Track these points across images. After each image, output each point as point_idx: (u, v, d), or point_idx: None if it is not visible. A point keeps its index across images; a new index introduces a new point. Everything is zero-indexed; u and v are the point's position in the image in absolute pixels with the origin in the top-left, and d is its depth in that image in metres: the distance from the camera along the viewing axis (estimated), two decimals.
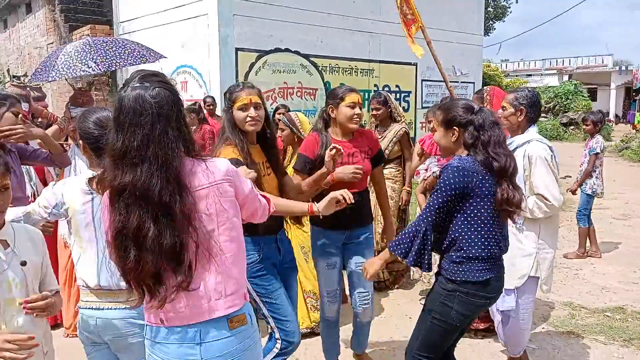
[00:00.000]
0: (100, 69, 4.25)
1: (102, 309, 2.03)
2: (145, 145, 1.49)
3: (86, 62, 4.17)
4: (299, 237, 3.74)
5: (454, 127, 2.28)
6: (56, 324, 4.27)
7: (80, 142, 2.05)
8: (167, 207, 1.49)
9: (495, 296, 2.34)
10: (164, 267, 1.51)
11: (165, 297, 1.53)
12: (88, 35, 9.83)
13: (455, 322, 2.26)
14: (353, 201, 2.27)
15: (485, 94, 3.84)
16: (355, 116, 2.92)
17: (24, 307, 1.74)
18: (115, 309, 2.04)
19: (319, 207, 2.31)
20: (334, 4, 9.29)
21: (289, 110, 6.17)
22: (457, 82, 12.09)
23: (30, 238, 1.88)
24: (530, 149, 2.84)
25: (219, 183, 1.60)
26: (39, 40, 12.64)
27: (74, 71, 4.18)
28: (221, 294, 1.61)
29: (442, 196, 2.19)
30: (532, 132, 2.92)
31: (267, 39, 8.48)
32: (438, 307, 2.27)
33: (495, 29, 24.07)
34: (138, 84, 1.55)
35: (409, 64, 10.84)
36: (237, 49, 8.11)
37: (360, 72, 10.09)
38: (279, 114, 5.95)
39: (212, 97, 7.19)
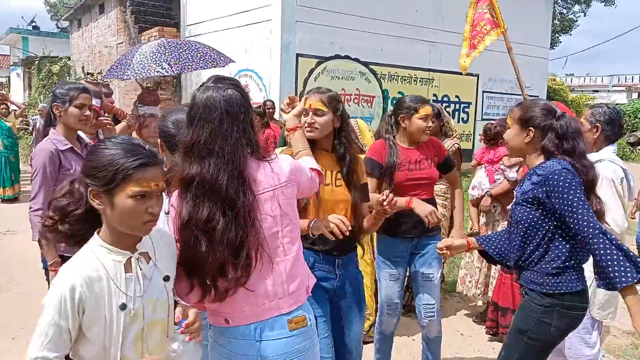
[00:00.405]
0: (173, 71, 4.39)
1: None
2: (212, 140, 1.59)
3: (160, 64, 4.32)
4: None
5: (530, 128, 2.16)
6: None
7: (159, 140, 2.12)
8: (232, 202, 1.55)
9: (587, 306, 2.22)
10: (228, 261, 1.56)
11: (226, 291, 1.58)
12: (156, 36, 10.23)
13: (554, 338, 2.13)
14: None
15: None
16: (427, 129, 2.94)
17: (182, 331, 1.50)
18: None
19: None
20: (396, 13, 9.25)
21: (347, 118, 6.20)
22: (520, 94, 11.75)
23: (167, 243, 1.60)
24: (599, 169, 2.73)
25: (284, 185, 1.68)
26: (109, 39, 13.26)
27: (148, 71, 4.34)
28: (283, 294, 1.66)
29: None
30: (607, 151, 2.79)
31: (328, 46, 8.54)
32: (535, 327, 2.11)
33: (561, 42, 23.28)
34: (212, 84, 1.68)
35: (470, 74, 10.62)
36: (297, 55, 8.22)
37: (420, 81, 9.99)
38: None
39: (272, 101, 7.30)
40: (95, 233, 1.46)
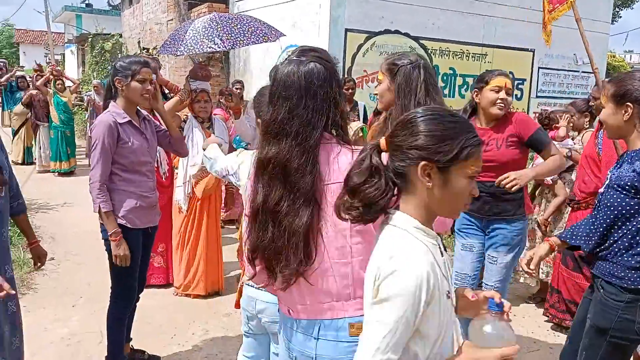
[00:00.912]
0: (225, 47, 4.35)
1: (264, 290, 1.92)
2: (289, 119, 1.48)
3: (212, 39, 4.30)
4: None
5: (627, 104, 1.94)
6: (168, 283, 4.58)
7: (258, 120, 2.08)
8: (299, 188, 1.46)
9: None
10: (289, 248, 1.48)
11: (288, 279, 1.51)
12: (205, 12, 10.26)
13: (638, 336, 1.95)
14: None
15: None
16: (499, 101, 2.77)
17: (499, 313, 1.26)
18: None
19: None
20: None
21: None
22: (578, 71, 11.22)
23: None
24: None
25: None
26: (159, 16, 13.41)
27: (201, 47, 4.32)
28: (349, 296, 1.53)
29: None
30: None
31: (378, 21, 8.34)
32: (617, 324, 1.95)
33: (621, 17, 21.99)
34: (295, 57, 1.55)
35: (526, 50, 10.20)
36: (346, 30, 8.07)
37: (472, 57, 9.65)
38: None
39: (352, 79, 7.01)
40: (399, 211, 1.29)
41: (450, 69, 9.45)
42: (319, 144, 1.49)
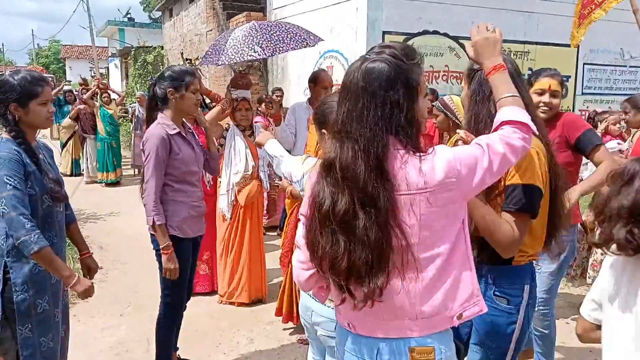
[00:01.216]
0: (265, 54, 4.35)
1: (319, 302, 1.86)
2: (349, 121, 1.39)
3: (253, 47, 4.31)
4: None
5: None
6: (213, 291, 4.61)
7: (323, 130, 2.04)
8: (372, 198, 1.34)
9: None
10: (367, 264, 1.35)
11: (364, 298, 1.38)
12: (243, 22, 10.39)
13: None
14: None
15: None
16: (542, 105, 2.64)
17: None
18: (329, 307, 1.90)
19: None
20: None
21: (436, 95, 5.94)
22: (625, 66, 10.77)
23: None
24: None
25: (430, 191, 1.36)
26: (199, 27, 13.68)
27: (242, 56, 4.34)
28: (414, 315, 1.41)
29: None
30: None
31: (416, 22, 8.24)
32: None
33: None
34: (365, 55, 1.45)
35: (569, 46, 9.84)
36: (384, 33, 7.99)
37: (514, 54, 9.39)
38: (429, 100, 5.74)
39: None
40: None
41: None
42: (386, 150, 1.36)
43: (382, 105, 1.37)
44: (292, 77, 9.86)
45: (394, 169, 1.37)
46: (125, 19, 25.45)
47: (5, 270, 2.19)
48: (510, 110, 1.55)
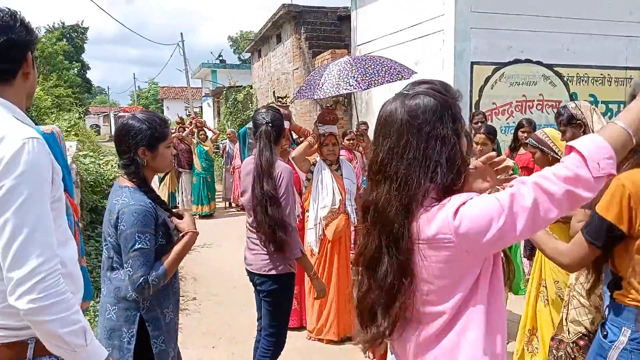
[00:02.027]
0: (361, 87, 4.39)
1: None
2: (389, 160, 1.33)
3: (348, 81, 4.37)
4: (553, 270, 3.28)
5: None
6: (301, 326, 4.59)
7: None
8: (395, 239, 1.30)
9: None
10: (380, 307, 1.36)
11: (370, 340, 1.40)
12: (328, 59, 10.63)
13: None
14: None
15: None
16: None
17: None
18: None
19: None
20: (583, 8, 8.33)
21: (534, 126, 5.66)
22: None
23: None
24: None
25: (422, 244, 1.28)
26: (286, 66, 14.18)
27: (337, 89, 4.41)
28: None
29: None
30: None
31: (506, 51, 8.01)
32: None
33: None
34: (404, 91, 1.39)
35: None
36: (472, 63, 7.83)
37: (614, 82, 8.82)
38: (523, 132, 5.50)
39: (481, 113, 6.69)
40: None
41: (591, 96, 8.71)
42: (418, 190, 1.29)
43: (426, 141, 1.30)
44: (376, 111, 9.77)
45: (418, 212, 1.29)
46: (217, 61, 26.99)
47: (139, 324, 2.13)
48: (605, 135, 1.19)
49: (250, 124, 4.59)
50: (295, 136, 5.42)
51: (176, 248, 2.16)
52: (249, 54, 20.42)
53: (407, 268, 1.29)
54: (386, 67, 4.54)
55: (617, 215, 1.76)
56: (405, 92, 1.38)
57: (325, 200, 4.33)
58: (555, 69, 8.40)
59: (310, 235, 4.42)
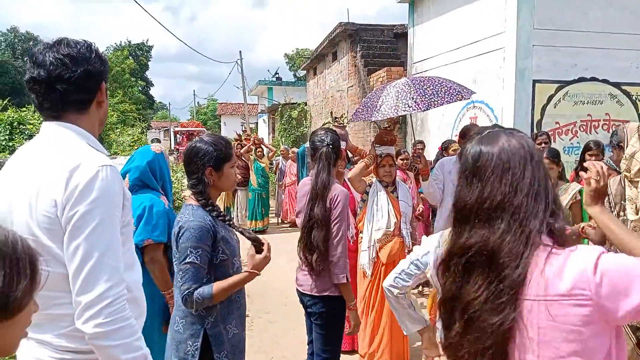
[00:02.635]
0: (420, 108, 4.33)
1: None
2: (509, 198, 1.25)
3: (406, 102, 4.33)
4: None
5: None
6: (353, 350, 4.52)
7: None
8: (506, 279, 1.18)
9: None
10: (484, 353, 1.20)
11: None
12: (384, 76, 10.60)
13: None
14: None
15: None
16: None
17: None
18: None
19: None
20: None
21: (602, 148, 5.35)
22: None
23: None
24: None
25: (554, 300, 1.13)
26: (340, 84, 14.26)
27: (396, 111, 4.38)
28: None
29: None
30: None
31: (570, 69, 7.71)
32: None
33: None
34: (507, 130, 1.37)
35: None
36: (534, 81, 7.58)
37: None
38: (591, 154, 5.18)
39: (545, 133, 6.43)
40: None
41: None
42: (535, 235, 1.20)
43: (541, 182, 1.26)
44: (431, 129, 9.74)
45: (535, 266, 1.18)
46: (274, 79, 27.51)
47: (204, 338, 2.18)
48: None
49: (307, 143, 4.61)
50: (350, 155, 5.40)
51: (233, 279, 2.20)
52: (305, 72, 20.71)
53: (519, 322, 1.18)
54: (445, 88, 4.46)
55: None
56: (509, 131, 1.35)
57: (380, 222, 4.27)
58: (623, 87, 8.00)
59: (363, 257, 4.37)
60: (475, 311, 1.22)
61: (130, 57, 44.56)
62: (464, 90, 4.61)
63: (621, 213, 2.78)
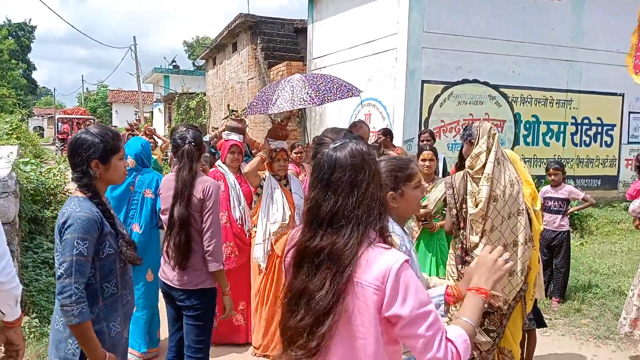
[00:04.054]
0: (315, 103, 4.47)
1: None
2: (356, 206, 1.44)
3: (301, 96, 4.45)
4: None
5: None
6: (247, 342, 4.53)
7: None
8: (341, 277, 1.40)
9: None
10: (311, 332, 1.42)
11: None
12: (284, 70, 10.66)
13: None
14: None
15: None
16: None
17: None
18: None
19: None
20: (528, 32, 8.74)
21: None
22: None
23: None
24: None
25: (362, 283, 1.40)
26: (240, 75, 14.11)
27: (292, 105, 4.47)
28: None
29: None
30: None
31: (455, 71, 8.27)
32: None
33: None
34: (343, 141, 1.53)
35: (614, 94, 9.67)
36: (423, 82, 8.05)
37: (556, 103, 9.27)
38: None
39: (385, 129, 6.88)
40: None
41: (533, 116, 9.12)
42: (368, 233, 1.43)
43: (375, 183, 1.49)
44: (329, 124, 9.98)
45: (364, 256, 1.42)
46: (171, 67, 26.56)
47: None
48: (463, 332, 1.49)
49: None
50: (247, 149, 5.38)
51: (96, 343, 2.07)
52: (204, 61, 20.22)
53: (344, 296, 1.40)
54: (337, 85, 4.67)
55: None
56: (341, 142, 1.51)
57: (276, 216, 4.30)
58: (501, 89, 8.74)
59: (258, 251, 4.38)
60: (319, 302, 1.41)
61: (10, 37, 40.70)
62: (354, 88, 4.83)
63: (463, 206, 3.06)
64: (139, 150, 4.09)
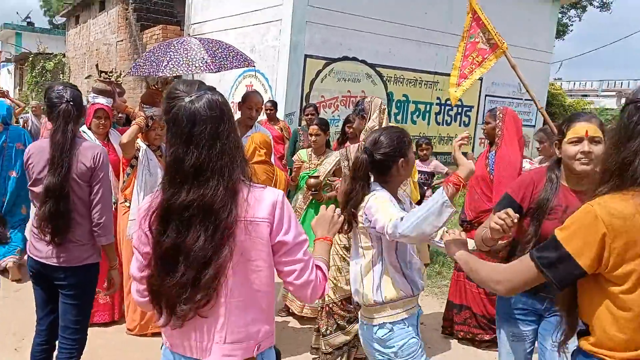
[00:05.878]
0: (212, 69, 4.30)
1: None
2: (218, 158, 1.44)
3: (197, 62, 4.23)
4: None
5: None
6: (112, 321, 4.27)
7: None
8: (221, 226, 1.42)
9: None
10: (199, 282, 1.42)
11: (184, 315, 1.44)
12: (159, 34, 10.03)
13: None
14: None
15: (498, 112, 3.85)
16: (581, 156, 2.12)
17: None
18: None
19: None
20: (405, 15, 9.15)
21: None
22: (521, 99, 11.73)
23: None
24: None
25: (253, 221, 1.47)
26: (109, 37, 13.02)
27: (188, 69, 4.25)
28: (220, 339, 1.49)
29: None
30: None
31: (337, 47, 8.41)
32: None
33: (554, 46, 23.35)
34: (198, 93, 1.48)
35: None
36: (306, 56, 8.07)
37: (425, 84, 9.88)
38: (349, 127, 5.74)
39: (272, 102, 6.93)
40: None
41: (404, 95, 9.64)
42: (237, 182, 1.46)
43: (236, 137, 1.54)
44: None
45: (242, 198, 1.47)
46: (24, 23, 23.72)
47: None
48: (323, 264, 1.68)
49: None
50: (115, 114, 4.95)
51: None
52: (64, 19, 18.29)
53: (225, 243, 1.42)
54: (233, 53, 4.56)
55: (579, 249, 1.43)
56: (197, 94, 1.45)
57: (154, 189, 4.05)
58: (377, 69, 9.09)
59: (132, 227, 4.10)
60: (198, 254, 1.41)
61: None
62: (248, 58, 4.78)
63: None
64: (4, 114, 4.77)
